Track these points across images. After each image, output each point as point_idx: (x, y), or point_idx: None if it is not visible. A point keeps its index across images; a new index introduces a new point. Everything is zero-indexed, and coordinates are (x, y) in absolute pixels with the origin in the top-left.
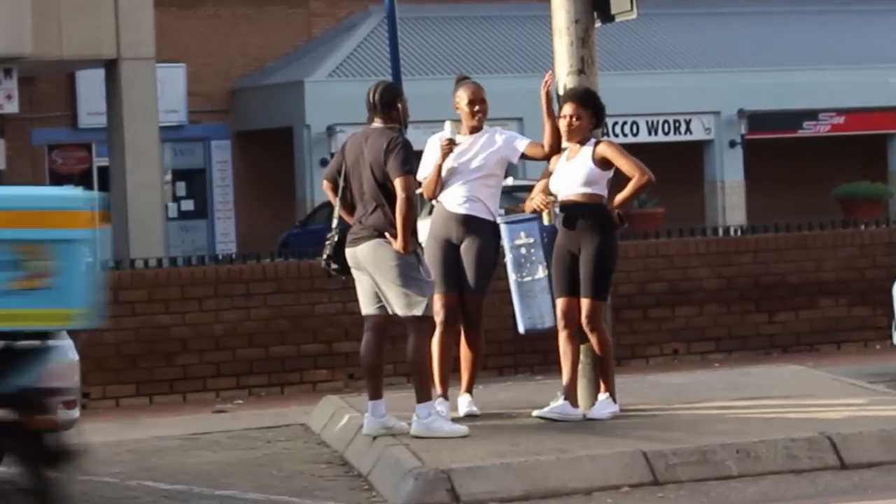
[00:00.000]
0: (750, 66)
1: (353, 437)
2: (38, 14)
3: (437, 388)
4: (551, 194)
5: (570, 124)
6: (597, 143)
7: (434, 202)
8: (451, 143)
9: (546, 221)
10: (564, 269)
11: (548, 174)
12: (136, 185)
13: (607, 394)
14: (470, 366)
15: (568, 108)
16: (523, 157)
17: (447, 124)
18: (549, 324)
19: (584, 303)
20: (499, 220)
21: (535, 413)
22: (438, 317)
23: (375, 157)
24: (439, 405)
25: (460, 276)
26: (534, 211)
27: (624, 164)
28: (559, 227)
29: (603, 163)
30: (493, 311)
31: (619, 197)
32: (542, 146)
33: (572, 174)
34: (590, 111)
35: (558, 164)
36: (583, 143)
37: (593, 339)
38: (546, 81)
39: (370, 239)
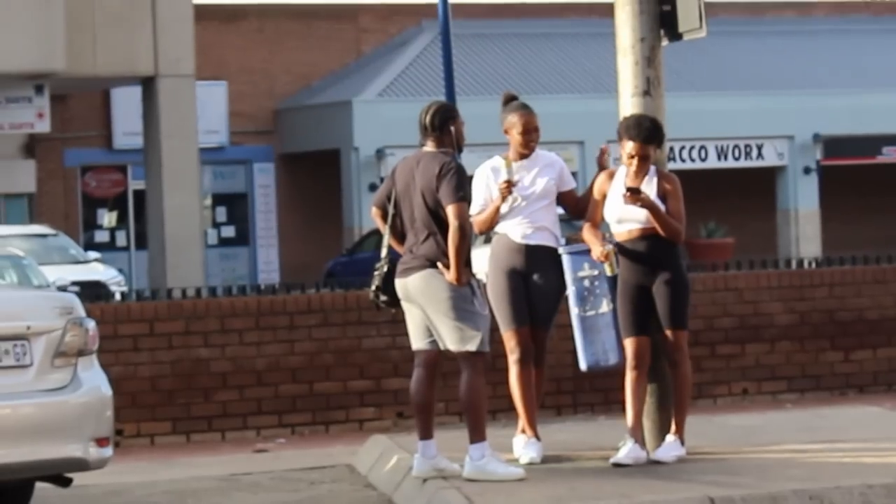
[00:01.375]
0: (826, 87)
1: (401, 479)
2: (71, 28)
3: (528, 431)
4: (605, 239)
5: (639, 166)
6: (660, 177)
7: (493, 233)
8: (509, 185)
9: (608, 273)
10: (634, 306)
11: (595, 219)
12: (173, 210)
13: (676, 435)
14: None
15: (634, 149)
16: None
17: (500, 161)
18: (612, 361)
19: (670, 334)
20: (561, 250)
21: (612, 461)
22: (514, 354)
23: (427, 183)
24: (532, 449)
25: (530, 310)
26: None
27: (674, 208)
28: (623, 264)
29: (664, 197)
30: (551, 347)
31: (653, 205)
32: (576, 202)
33: (636, 210)
34: (655, 145)
35: (611, 191)
36: (644, 173)
37: (676, 373)
38: (603, 152)
39: (421, 269)
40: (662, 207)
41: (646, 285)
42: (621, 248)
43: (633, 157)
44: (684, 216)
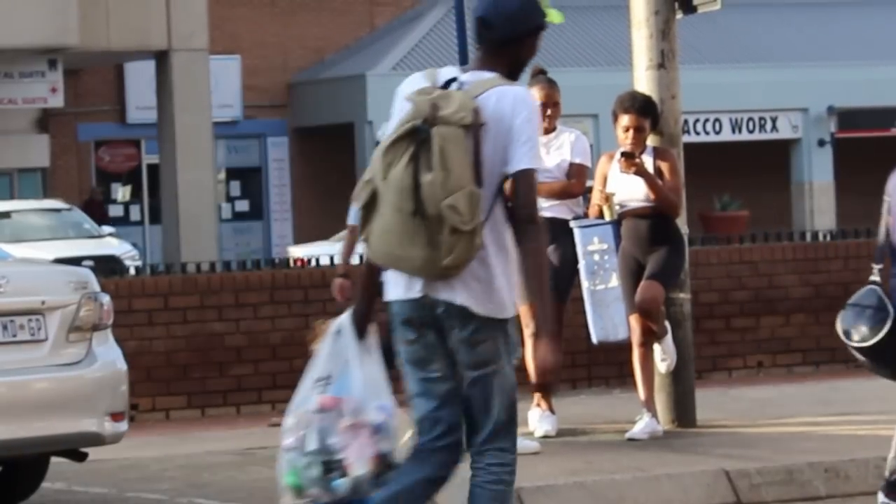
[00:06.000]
0: (841, 59)
1: None
2: (84, 2)
3: (543, 405)
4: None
5: (635, 138)
6: (656, 155)
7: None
8: None
9: (607, 217)
10: (634, 281)
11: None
12: (187, 185)
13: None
14: None
15: (630, 120)
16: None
17: None
18: (622, 335)
19: (647, 284)
20: (572, 224)
21: (627, 435)
22: (530, 328)
23: None
24: (547, 422)
25: None
26: (599, 214)
27: (670, 182)
28: (624, 242)
29: (660, 174)
30: (566, 320)
31: (648, 174)
32: (578, 183)
33: (635, 187)
34: (650, 119)
35: (611, 171)
36: (641, 152)
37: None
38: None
39: None
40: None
41: (645, 263)
42: (623, 227)
43: (628, 129)
44: (681, 190)
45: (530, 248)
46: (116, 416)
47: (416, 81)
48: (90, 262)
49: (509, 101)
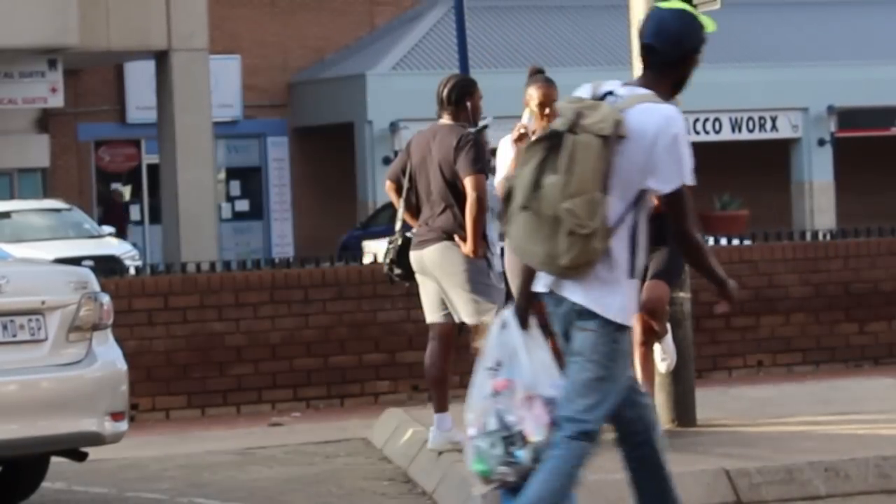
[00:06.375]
0: (841, 59)
1: (417, 452)
2: (84, 2)
3: None
4: None
5: None
6: None
7: None
8: (519, 130)
9: None
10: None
11: None
12: (187, 184)
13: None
14: None
15: None
16: None
17: (526, 112)
18: None
19: (651, 283)
20: None
21: None
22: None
23: (444, 155)
24: None
25: None
26: None
27: None
28: None
29: None
30: None
31: None
32: None
33: None
34: None
35: None
36: None
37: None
38: None
39: (438, 241)
40: None
41: (647, 263)
42: None
43: None
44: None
45: (683, 252)
46: (116, 416)
47: (580, 91)
48: (90, 262)
49: (654, 118)
